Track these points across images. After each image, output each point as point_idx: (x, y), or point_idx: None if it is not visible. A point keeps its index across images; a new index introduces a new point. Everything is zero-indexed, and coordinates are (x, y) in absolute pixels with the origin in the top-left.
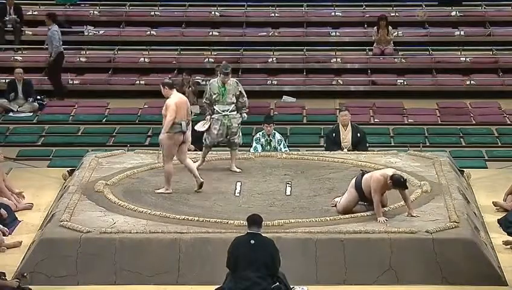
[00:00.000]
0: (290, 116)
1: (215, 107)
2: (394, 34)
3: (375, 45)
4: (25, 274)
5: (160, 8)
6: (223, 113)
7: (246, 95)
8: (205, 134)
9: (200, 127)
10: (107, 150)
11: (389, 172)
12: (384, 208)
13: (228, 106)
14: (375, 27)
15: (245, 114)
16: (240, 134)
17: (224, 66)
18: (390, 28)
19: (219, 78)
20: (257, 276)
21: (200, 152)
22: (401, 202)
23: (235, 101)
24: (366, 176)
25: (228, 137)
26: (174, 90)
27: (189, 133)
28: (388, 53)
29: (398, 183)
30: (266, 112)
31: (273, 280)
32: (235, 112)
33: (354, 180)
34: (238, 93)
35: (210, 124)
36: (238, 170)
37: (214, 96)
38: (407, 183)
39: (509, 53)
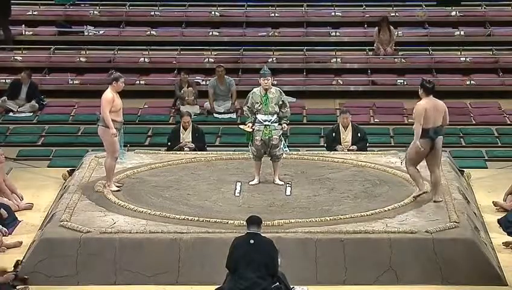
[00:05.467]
0: (290, 116)
1: (257, 116)
2: (395, 34)
3: (375, 44)
4: (19, 262)
5: (160, 8)
6: (264, 124)
7: (289, 106)
8: (249, 146)
9: (244, 127)
10: None
11: None
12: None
13: (270, 116)
14: (376, 28)
15: (285, 124)
16: (282, 146)
17: (262, 69)
18: (392, 28)
19: (261, 87)
20: (257, 276)
21: (200, 152)
22: (401, 201)
23: (277, 111)
24: None
25: (269, 150)
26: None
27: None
28: (388, 53)
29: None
30: None
31: (273, 279)
32: (277, 124)
33: None
34: (281, 102)
35: (253, 130)
36: (281, 183)
37: (256, 106)
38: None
39: (509, 53)
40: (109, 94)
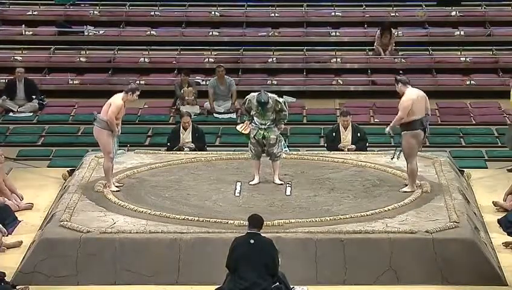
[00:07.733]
0: (290, 116)
1: (254, 118)
2: (394, 34)
3: (376, 47)
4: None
5: (160, 8)
6: (260, 126)
7: (286, 109)
8: (249, 145)
9: (240, 128)
10: None
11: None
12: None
13: (267, 120)
14: (378, 31)
15: (282, 125)
16: (280, 144)
17: (258, 97)
18: (393, 33)
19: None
20: (257, 276)
21: (200, 152)
22: (401, 201)
23: (274, 117)
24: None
25: (266, 148)
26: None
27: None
28: (387, 55)
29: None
30: None
31: (273, 279)
32: (273, 125)
33: None
34: (278, 109)
35: (250, 130)
36: (280, 182)
37: (253, 113)
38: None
39: (509, 53)
40: (120, 101)
